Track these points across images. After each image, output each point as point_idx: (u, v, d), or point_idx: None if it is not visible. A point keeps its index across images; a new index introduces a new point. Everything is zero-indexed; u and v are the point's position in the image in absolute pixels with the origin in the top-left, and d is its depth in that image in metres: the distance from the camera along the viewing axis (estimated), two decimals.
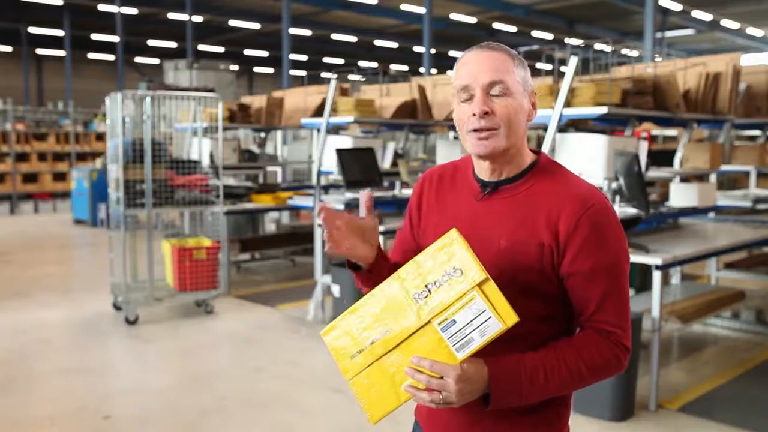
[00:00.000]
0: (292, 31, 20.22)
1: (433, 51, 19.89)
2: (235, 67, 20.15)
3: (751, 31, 24.70)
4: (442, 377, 1.23)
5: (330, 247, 1.39)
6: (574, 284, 1.35)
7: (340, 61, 31.76)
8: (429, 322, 1.26)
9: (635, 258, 4.10)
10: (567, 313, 1.41)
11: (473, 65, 1.36)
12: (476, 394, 1.27)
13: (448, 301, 1.25)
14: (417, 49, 25.07)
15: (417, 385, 1.25)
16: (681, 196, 5.24)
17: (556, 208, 1.34)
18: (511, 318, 1.22)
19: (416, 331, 1.27)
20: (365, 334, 1.30)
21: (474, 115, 1.34)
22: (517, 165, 1.41)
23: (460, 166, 1.52)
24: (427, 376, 1.23)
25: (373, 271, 1.44)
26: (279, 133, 10.44)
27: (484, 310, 1.22)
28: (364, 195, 1.44)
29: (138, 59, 31.41)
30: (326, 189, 7.47)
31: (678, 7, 20.22)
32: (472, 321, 1.23)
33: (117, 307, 6.15)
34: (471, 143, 1.37)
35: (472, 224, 1.39)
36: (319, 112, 7.15)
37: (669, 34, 23.88)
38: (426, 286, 1.27)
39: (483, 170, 1.43)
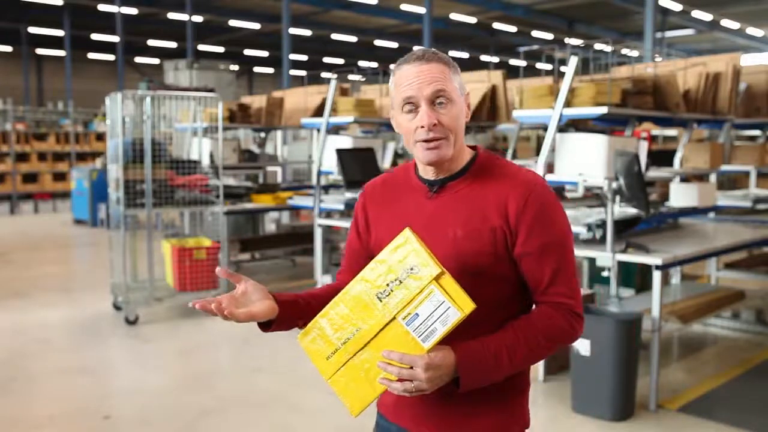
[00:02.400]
0: (292, 31, 20.22)
1: None
2: (235, 67, 20.16)
3: (751, 31, 24.70)
4: (411, 367, 1.31)
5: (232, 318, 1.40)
6: (527, 263, 1.45)
7: (340, 61, 31.76)
8: (394, 317, 1.35)
9: (635, 258, 4.10)
10: (523, 295, 1.51)
11: (415, 78, 1.43)
12: (446, 379, 1.35)
13: (409, 297, 1.33)
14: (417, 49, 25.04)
15: (390, 377, 1.33)
16: (681, 196, 5.24)
17: (503, 194, 1.45)
18: (468, 306, 1.31)
19: (383, 328, 1.36)
20: (337, 335, 1.39)
21: (422, 127, 1.42)
22: (459, 161, 1.50)
23: (398, 173, 1.62)
24: (398, 368, 1.32)
25: (285, 318, 1.47)
26: (279, 133, 10.44)
27: (443, 302, 1.31)
28: (220, 271, 1.47)
29: (138, 59, 31.40)
30: (326, 189, 7.47)
31: (678, 7, 20.22)
32: (433, 313, 1.32)
33: (117, 307, 6.15)
34: (420, 152, 1.45)
35: (426, 222, 1.48)
36: (319, 112, 7.15)
37: (669, 34, 23.88)
38: (387, 284, 1.35)
39: (428, 171, 1.51)
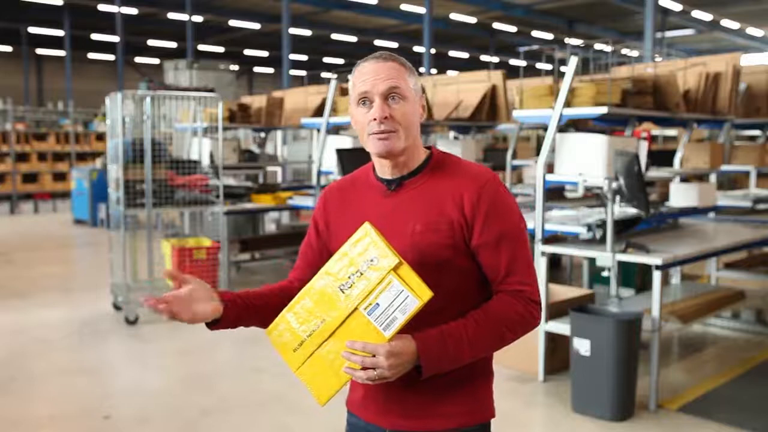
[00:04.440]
0: (292, 31, 20.22)
1: (433, 51, 19.89)
2: (235, 67, 20.14)
3: (751, 31, 24.70)
4: (374, 356, 1.36)
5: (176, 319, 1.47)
6: (484, 254, 1.51)
7: (340, 61, 31.76)
8: (356, 308, 1.40)
9: (635, 258, 4.10)
10: (482, 286, 1.56)
11: (371, 75, 1.50)
12: (407, 365, 1.39)
13: (369, 287, 1.39)
14: (417, 49, 25.07)
15: (354, 366, 1.38)
16: (681, 196, 5.24)
17: (458, 189, 1.51)
18: (426, 294, 1.36)
19: (346, 318, 1.41)
20: (303, 328, 1.45)
21: (374, 119, 1.49)
22: (415, 160, 1.57)
23: (358, 176, 1.69)
24: (361, 357, 1.37)
25: (230, 316, 1.54)
26: (279, 133, 10.45)
27: (402, 291, 1.36)
28: (165, 272, 1.54)
29: (138, 59, 31.40)
30: None
31: (678, 7, 20.22)
32: (393, 302, 1.37)
33: (117, 307, 6.15)
34: (372, 144, 1.52)
35: (384, 218, 1.53)
36: (319, 112, 7.15)
37: (669, 34, 23.88)
38: (349, 277, 1.41)
39: (385, 170, 1.58)
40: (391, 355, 1.36)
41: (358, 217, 1.52)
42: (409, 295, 1.35)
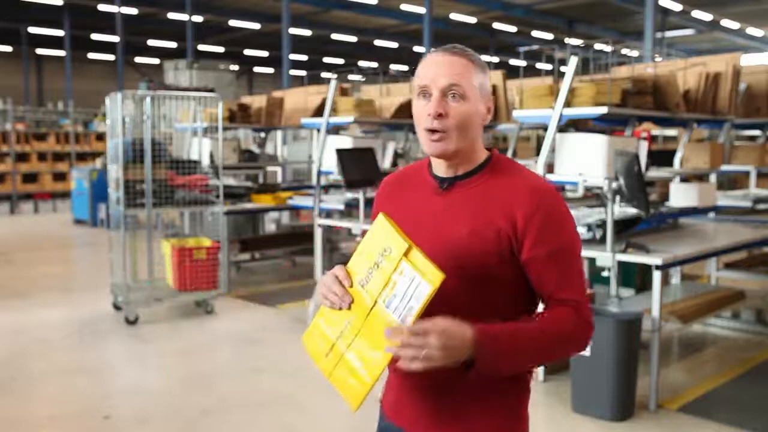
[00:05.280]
0: (292, 31, 20.21)
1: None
2: (235, 67, 20.13)
3: (751, 31, 24.70)
4: (424, 335, 1.26)
5: None
6: (535, 268, 1.44)
7: (340, 61, 31.75)
8: (375, 302, 1.34)
9: (635, 258, 4.10)
10: (524, 298, 1.50)
11: (435, 67, 1.45)
12: (458, 353, 1.29)
13: (385, 278, 1.34)
14: (417, 49, 25.06)
15: (396, 344, 1.28)
16: (681, 196, 5.24)
17: (512, 199, 1.44)
18: (438, 276, 1.28)
19: (368, 315, 1.35)
20: (332, 330, 1.41)
21: (429, 114, 1.44)
22: (472, 162, 1.51)
23: (416, 167, 1.63)
24: (408, 335, 1.26)
25: None
26: (279, 133, 10.43)
27: (414, 277, 1.30)
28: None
29: (138, 59, 31.40)
30: (326, 189, 7.46)
31: (678, 7, 20.22)
32: (407, 290, 1.30)
33: (117, 307, 6.15)
34: (424, 142, 1.47)
35: (433, 217, 1.48)
36: (319, 112, 7.15)
37: (669, 34, 23.87)
38: (368, 271, 1.37)
39: (440, 167, 1.52)
40: (444, 335, 1.26)
41: (406, 212, 1.49)
42: (422, 281, 1.29)
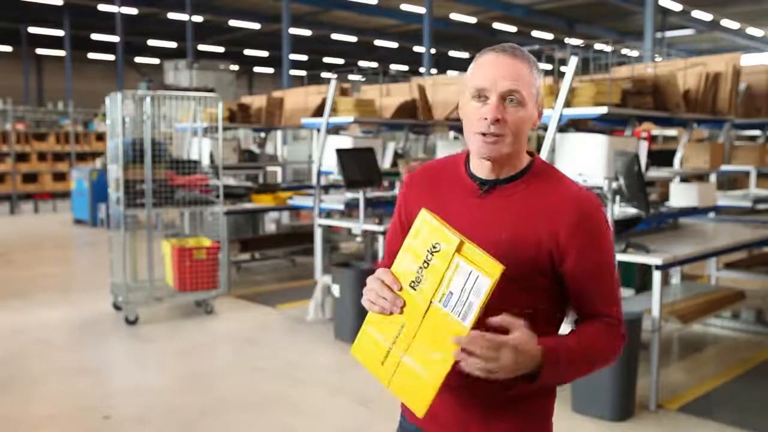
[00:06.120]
0: (292, 31, 20.21)
1: (433, 51, 19.89)
2: (235, 67, 20.17)
3: (751, 31, 24.70)
4: (498, 348, 1.24)
5: None
6: (574, 281, 1.43)
7: (340, 61, 31.74)
8: (430, 302, 1.29)
9: (635, 258, 4.10)
10: (557, 307, 1.48)
11: (494, 69, 1.39)
12: (525, 368, 1.29)
13: (438, 277, 1.29)
14: (417, 49, 25.06)
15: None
16: (681, 196, 5.23)
17: (556, 208, 1.41)
18: (497, 268, 1.24)
19: (424, 316, 1.30)
20: (385, 337, 1.35)
21: (485, 119, 1.38)
22: (515, 166, 1.46)
23: (448, 164, 1.56)
24: (480, 347, 1.23)
25: None
26: (279, 133, 10.44)
27: (471, 271, 1.25)
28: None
29: (138, 59, 31.39)
30: (326, 189, 7.46)
31: (678, 7, 20.22)
32: (465, 286, 1.26)
33: (117, 307, 6.15)
34: (476, 144, 1.41)
35: (471, 220, 1.43)
36: (319, 112, 7.15)
37: (669, 34, 23.88)
38: (417, 271, 1.31)
39: (482, 169, 1.47)
40: (517, 351, 1.25)
41: (442, 212, 1.42)
42: (480, 275, 1.24)
